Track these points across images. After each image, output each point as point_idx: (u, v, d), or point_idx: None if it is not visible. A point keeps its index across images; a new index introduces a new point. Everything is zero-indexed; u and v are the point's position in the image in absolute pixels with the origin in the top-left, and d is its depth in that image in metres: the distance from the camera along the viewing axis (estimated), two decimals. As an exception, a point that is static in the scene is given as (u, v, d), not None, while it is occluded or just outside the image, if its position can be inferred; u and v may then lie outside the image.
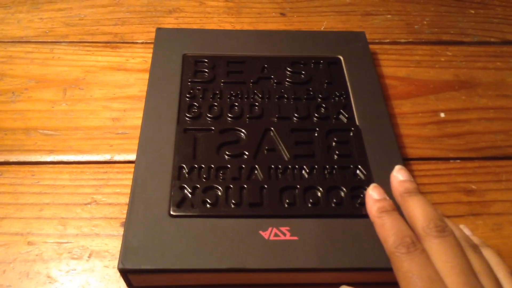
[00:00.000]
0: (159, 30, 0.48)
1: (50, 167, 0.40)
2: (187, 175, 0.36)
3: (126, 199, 0.38)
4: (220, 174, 0.36)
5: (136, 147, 0.41)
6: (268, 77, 0.44)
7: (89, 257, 0.35)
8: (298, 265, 0.32)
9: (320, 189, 0.36)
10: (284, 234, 0.33)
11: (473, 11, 0.56)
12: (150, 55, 0.48)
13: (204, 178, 0.36)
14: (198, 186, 0.36)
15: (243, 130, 0.39)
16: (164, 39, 0.47)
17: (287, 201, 0.35)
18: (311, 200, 0.35)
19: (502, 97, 0.47)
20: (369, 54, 0.47)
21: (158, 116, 0.40)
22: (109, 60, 0.49)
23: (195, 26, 0.52)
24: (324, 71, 0.45)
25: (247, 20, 0.54)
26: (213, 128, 0.39)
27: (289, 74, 0.44)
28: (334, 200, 0.35)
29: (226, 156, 0.38)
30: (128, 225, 0.33)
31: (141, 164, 0.37)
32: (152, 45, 0.48)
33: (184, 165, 0.37)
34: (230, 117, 0.40)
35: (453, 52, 0.51)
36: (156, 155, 0.37)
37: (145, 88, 0.45)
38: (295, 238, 0.33)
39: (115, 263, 0.34)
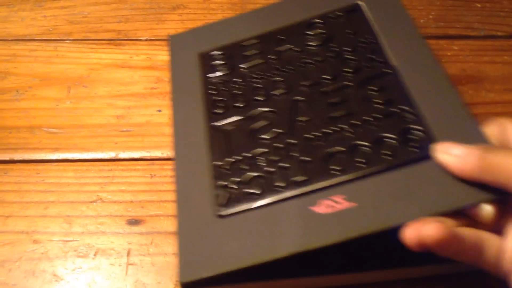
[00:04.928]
0: (172, 37, 0.47)
1: (55, 165, 0.40)
2: (226, 172, 0.35)
3: (131, 197, 0.38)
4: (259, 161, 0.35)
5: (140, 145, 0.41)
6: (287, 48, 0.41)
7: (95, 255, 0.34)
8: (364, 230, 0.29)
9: (368, 144, 0.33)
10: (341, 204, 0.31)
11: (479, 5, 0.55)
12: (154, 52, 0.48)
13: (244, 170, 0.34)
14: (240, 179, 0.34)
15: (273, 110, 0.37)
16: (178, 44, 0.46)
17: (335, 168, 0.33)
18: (360, 160, 0.33)
19: (510, 91, 0.46)
20: None
21: (188, 120, 0.39)
22: (113, 57, 0.48)
23: (199, 23, 0.52)
24: (345, 22, 0.41)
25: (251, 16, 0.53)
26: (242, 117, 0.38)
27: (308, 38, 0.41)
28: (386, 152, 0.32)
29: (261, 141, 0.36)
30: (180, 235, 0.32)
31: (180, 172, 0.36)
32: (156, 42, 0.48)
33: (221, 163, 0.35)
34: (257, 100, 0.38)
35: (459, 46, 0.51)
36: (193, 160, 0.36)
37: (149, 85, 0.45)
38: (354, 204, 0.31)
39: (121, 260, 0.34)
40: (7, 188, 0.38)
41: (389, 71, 0.37)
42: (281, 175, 0.33)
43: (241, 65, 0.41)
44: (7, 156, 0.40)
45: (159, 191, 0.38)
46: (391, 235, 0.29)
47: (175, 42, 0.46)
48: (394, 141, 0.33)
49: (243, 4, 0.54)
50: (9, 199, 0.37)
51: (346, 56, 0.39)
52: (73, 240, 0.35)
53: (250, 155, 0.35)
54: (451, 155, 0.30)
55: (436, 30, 0.52)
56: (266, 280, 0.32)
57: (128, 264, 0.34)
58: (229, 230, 0.32)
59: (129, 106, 0.44)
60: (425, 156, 0.31)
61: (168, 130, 0.42)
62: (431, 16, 0.54)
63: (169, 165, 0.40)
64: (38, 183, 0.38)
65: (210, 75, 0.42)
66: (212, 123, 0.38)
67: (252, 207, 0.33)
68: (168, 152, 0.41)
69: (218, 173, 0.35)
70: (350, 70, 0.38)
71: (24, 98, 0.44)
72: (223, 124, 0.38)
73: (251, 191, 0.33)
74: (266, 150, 0.35)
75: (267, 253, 0.30)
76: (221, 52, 0.43)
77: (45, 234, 0.35)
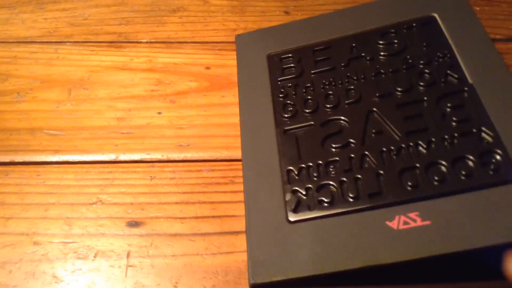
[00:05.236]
0: (238, 37, 0.46)
1: (55, 167, 0.40)
2: (296, 177, 0.35)
3: (131, 199, 0.38)
4: (331, 169, 0.34)
5: (140, 147, 0.41)
6: (359, 56, 0.41)
7: (94, 256, 0.35)
8: (438, 251, 0.29)
9: (444, 163, 0.33)
10: (415, 221, 0.30)
11: (478, 8, 0.56)
12: (155, 54, 0.49)
13: (315, 176, 0.34)
14: (311, 186, 0.34)
15: (344, 118, 0.37)
16: (245, 43, 0.46)
17: (409, 183, 0.32)
18: (436, 178, 0.32)
19: (508, 94, 0.47)
20: (467, 5, 0.42)
21: (256, 121, 0.39)
22: (114, 59, 0.49)
23: (199, 25, 0.52)
24: (419, 34, 0.41)
25: (251, 18, 0.53)
26: (312, 123, 0.37)
27: (381, 47, 0.41)
28: (463, 173, 0.32)
29: (332, 149, 0.35)
30: (250, 237, 0.32)
31: (249, 173, 0.36)
32: (156, 45, 0.49)
33: (291, 168, 0.35)
34: (327, 107, 0.38)
35: (458, 49, 0.51)
36: (262, 162, 0.36)
37: (149, 87, 0.46)
38: (428, 222, 0.30)
39: (121, 262, 0.34)
40: (7, 190, 0.38)
41: (467, 88, 0.36)
42: (353, 186, 0.33)
43: (311, 70, 0.41)
44: (8, 158, 0.40)
45: (159, 193, 0.38)
46: (468, 255, 0.29)
47: (242, 42, 0.46)
48: (471, 162, 0.32)
49: (243, 6, 0.55)
50: (10, 201, 0.38)
51: (421, 69, 0.38)
52: (73, 242, 0.35)
53: (321, 162, 0.35)
54: None
55: (435, 33, 0.53)
56: (335, 287, 0.32)
57: (128, 266, 0.34)
58: (300, 235, 0.32)
59: (129, 108, 0.44)
60: (503, 180, 0.31)
61: (168, 132, 0.42)
62: (430, 19, 0.54)
63: (169, 167, 0.40)
64: (39, 185, 0.39)
65: (279, 77, 0.41)
66: (281, 127, 0.38)
67: (323, 214, 0.32)
68: (168, 154, 0.41)
69: (288, 178, 0.35)
70: (426, 84, 0.37)
71: (24, 100, 0.45)
72: (293, 128, 0.37)
73: (322, 198, 0.33)
74: (338, 158, 0.35)
75: (342, 263, 0.30)
76: (291, 55, 0.43)
77: (45, 236, 0.36)
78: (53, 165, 0.40)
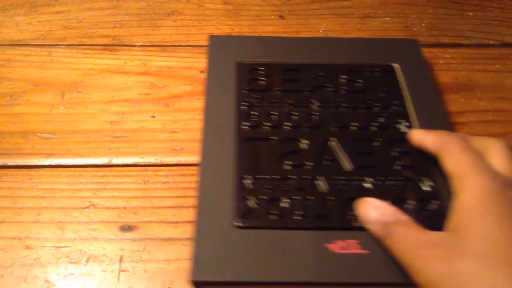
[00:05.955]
0: (212, 37, 0.47)
1: (48, 171, 0.40)
2: (250, 185, 0.36)
3: (124, 203, 0.38)
4: (284, 185, 0.36)
5: (134, 151, 0.41)
6: (324, 85, 0.43)
7: (87, 261, 0.35)
8: (372, 279, 0.32)
9: (387, 201, 0.35)
10: (354, 248, 0.33)
11: (471, 14, 0.56)
12: (149, 57, 0.49)
13: (268, 188, 0.36)
14: (262, 197, 0.35)
15: (303, 140, 0.39)
16: (218, 46, 0.46)
17: (354, 214, 0.34)
18: None
19: (501, 99, 0.47)
20: (424, 63, 0.46)
21: (218, 125, 0.40)
22: (108, 63, 0.48)
23: (193, 29, 0.52)
24: (380, 79, 0.44)
25: (245, 22, 0.54)
26: (273, 137, 0.39)
27: (344, 82, 0.43)
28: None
29: (288, 166, 0.37)
30: (197, 236, 0.33)
31: (205, 174, 0.36)
32: (150, 48, 0.49)
33: (247, 176, 0.36)
34: (288, 126, 0.40)
35: (451, 54, 0.51)
36: (219, 165, 0.37)
37: (143, 91, 0.46)
38: (367, 251, 0.33)
39: (113, 267, 0.34)
40: (0, 193, 0.38)
41: None
42: (302, 205, 0.35)
43: (278, 87, 0.43)
44: (0, 162, 0.40)
45: (152, 197, 0.38)
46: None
47: (214, 43, 0.47)
48: (410, 206, 0.35)
49: (237, 10, 0.55)
50: (2, 205, 0.37)
51: (377, 112, 0.41)
52: (65, 246, 0.35)
53: (276, 176, 0.36)
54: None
55: (429, 38, 0.53)
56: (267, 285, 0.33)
57: (120, 270, 0.34)
58: (245, 241, 0.33)
59: (123, 111, 0.44)
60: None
61: (162, 136, 0.42)
62: (424, 24, 0.54)
63: (162, 171, 0.40)
64: (31, 189, 0.38)
65: (246, 87, 0.43)
66: (242, 134, 0.39)
67: (270, 225, 0.34)
68: (162, 158, 0.41)
69: (242, 185, 0.36)
70: (379, 126, 0.40)
71: (18, 103, 0.44)
72: (253, 138, 0.39)
73: (271, 211, 0.34)
74: (292, 177, 0.36)
75: (279, 275, 0.32)
76: (262, 68, 0.44)
77: (37, 240, 0.35)
78: (45, 169, 0.40)
